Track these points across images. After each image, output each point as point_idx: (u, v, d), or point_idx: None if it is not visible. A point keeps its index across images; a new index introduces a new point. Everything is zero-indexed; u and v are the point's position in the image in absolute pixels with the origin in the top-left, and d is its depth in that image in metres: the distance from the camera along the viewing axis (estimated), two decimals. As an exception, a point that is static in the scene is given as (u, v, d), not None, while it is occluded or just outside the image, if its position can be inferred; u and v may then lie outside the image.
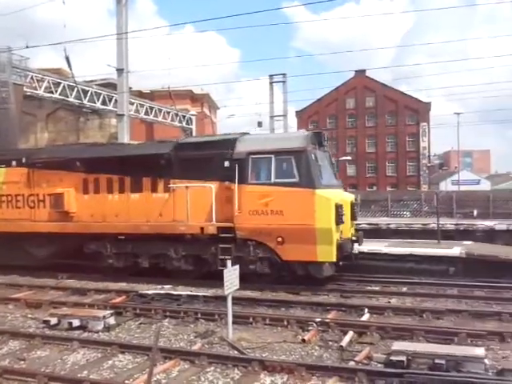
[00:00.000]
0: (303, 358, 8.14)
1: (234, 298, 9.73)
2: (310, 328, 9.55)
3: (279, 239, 12.63)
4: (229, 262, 9.22)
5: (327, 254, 12.33)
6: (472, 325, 9.68)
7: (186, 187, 13.65)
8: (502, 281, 13.19)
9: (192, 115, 40.61)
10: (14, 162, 16.57)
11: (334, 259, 12.47)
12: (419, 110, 76.94)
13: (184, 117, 39.38)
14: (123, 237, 14.70)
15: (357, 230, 15.05)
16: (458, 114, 61.32)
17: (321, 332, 9.44)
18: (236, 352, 8.41)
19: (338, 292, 12.65)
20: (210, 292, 12.58)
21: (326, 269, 12.68)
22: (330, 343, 8.82)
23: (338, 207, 12.48)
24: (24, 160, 16.38)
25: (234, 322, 9.35)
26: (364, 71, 71.89)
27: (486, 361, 7.33)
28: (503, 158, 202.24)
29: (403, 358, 7.26)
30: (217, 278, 12.55)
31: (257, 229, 12.79)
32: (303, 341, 8.88)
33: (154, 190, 14.38)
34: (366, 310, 10.72)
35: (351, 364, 7.69)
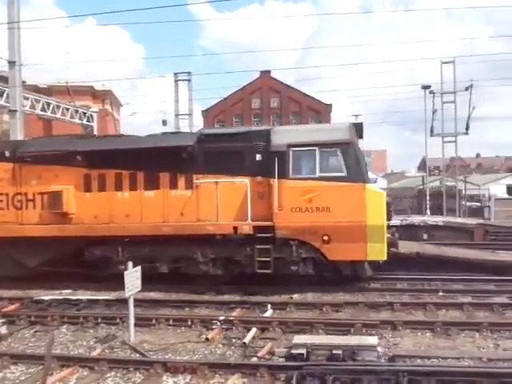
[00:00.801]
0: (207, 357, 8.15)
1: (136, 300, 9.54)
2: (214, 327, 9.57)
3: (325, 238, 11.76)
4: (130, 264, 8.99)
5: (378, 252, 11.64)
6: (367, 315, 10.24)
7: (216, 183, 12.50)
8: (397, 273, 14.01)
9: (93, 112, 39.04)
10: None
11: (385, 257, 11.84)
12: (321, 112, 79.82)
13: (85, 114, 37.77)
14: (127, 239, 13.14)
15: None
16: (357, 115, 64.25)
17: (225, 330, 9.50)
18: (138, 355, 8.24)
19: (243, 290, 12.79)
20: (111, 295, 12.18)
21: (367, 268, 12.41)
22: (234, 340, 8.91)
23: (388, 203, 12.08)
24: (8, 153, 14.02)
25: (136, 325, 9.15)
26: (269, 72, 73.24)
27: (379, 348, 7.79)
28: (399, 157, 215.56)
29: (303, 351, 7.50)
30: (250, 282, 12.61)
31: (300, 227, 11.84)
32: (207, 340, 8.89)
33: (174, 186, 12.92)
34: (269, 306, 10.94)
35: (254, 360, 7.83)
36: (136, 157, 12.85)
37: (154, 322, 9.99)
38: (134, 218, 13.02)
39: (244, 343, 8.57)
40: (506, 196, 48.87)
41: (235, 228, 12.25)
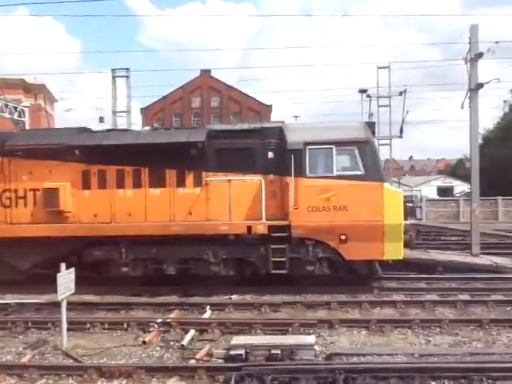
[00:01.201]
0: (143, 361, 7.97)
1: (70, 303, 9.21)
2: (152, 329, 9.38)
3: (342, 237, 11.59)
4: (62, 265, 8.63)
5: (395, 251, 11.65)
6: (305, 315, 10.38)
7: (229, 181, 12.14)
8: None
9: (25, 107, 37.38)
10: None
11: (402, 257, 11.87)
12: (261, 112, 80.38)
13: (16, 108, 36.12)
14: (119, 240, 12.45)
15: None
16: (296, 117, 65.31)
17: (162, 333, 9.33)
18: (71, 360, 7.94)
19: (182, 291, 12.61)
20: (43, 299, 11.67)
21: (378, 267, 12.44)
22: (172, 343, 8.77)
23: (405, 202, 12.02)
24: None
25: (69, 329, 8.83)
26: (209, 71, 73.01)
27: (317, 347, 7.92)
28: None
29: (242, 352, 7.48)
30: (262, 283, 12.30)
31: (316, 227, 11.61)
32: (144, 343, 8.68)
33: (181, 184, 12.39)
34: (208, 307, 10.86)
35: (192, 362, 7.72)
36: (141, 153, 12.29)
37: (88, 325, 9.64)
38: (137, 216, 12.40)
39: (182, 345, 8.44)
40: (436, 197, 51.22)
41: (249, 227, 11.94)
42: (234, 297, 12.05)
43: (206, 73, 73.78)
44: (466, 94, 17.13)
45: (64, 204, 12.49)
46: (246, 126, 12.88)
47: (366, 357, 7.75)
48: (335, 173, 11.72)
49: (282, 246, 11.85)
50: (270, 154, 12.19)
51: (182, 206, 12.30)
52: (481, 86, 16.95)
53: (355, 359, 7.67)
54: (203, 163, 12.26)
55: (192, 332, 9.09)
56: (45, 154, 12.52)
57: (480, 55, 16.87)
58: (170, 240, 12.19)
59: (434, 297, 11.57)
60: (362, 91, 28.52)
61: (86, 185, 12.67)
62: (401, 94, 25.29)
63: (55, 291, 8.36)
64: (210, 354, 8.04)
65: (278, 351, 7.45)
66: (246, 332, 9.12)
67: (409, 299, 11.39)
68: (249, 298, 12.04)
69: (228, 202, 12.17)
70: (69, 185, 12.59)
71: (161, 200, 12.35)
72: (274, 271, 11.93)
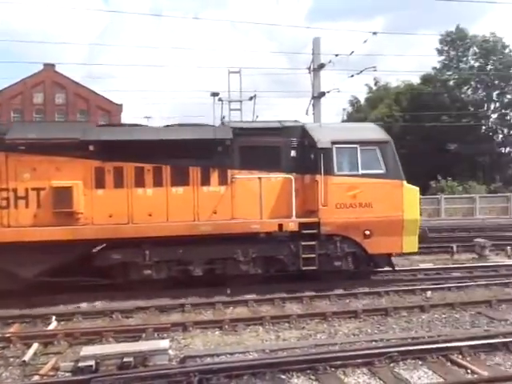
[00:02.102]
0: (-23, 383, 7.19)
1: None
2: (-13, 347, 8.51)
3: (367, 232, 12.19)
4: None
5: (412, 244, 12.53)
6: (158, 319, 10.22)
7: (259, 179, 12.12)
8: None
9: None
10: None
11: (417, 250, 12.82)
12: (112, 111, 77.54)
13: None
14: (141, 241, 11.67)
15: None
16: (148, 117, 64.15)
17: (1, 349, 8.50)
18: None
19: (24, 303, 11.55)
20: None
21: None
22: (12, 359, 8.02)
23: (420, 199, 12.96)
24: None
25: None
26: (53, 65, 68.49)
27: (170, 351, 7.84)
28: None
29: (92, 363, 7.13)
30: (290, 280, 12.63)
31: (344, 223, 12.10)
32: (-22, 363, 7.84)
33: (206, 182, 12.08)
34: (54, 317, 10.15)
35: (35, 379, 7.16)
36: (163, 149, 11.65)
37: None
38: (158, 216, 11.82)
39: (23, 361, 7.77)
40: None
41: (280, 225, 12.03)
42: (84, 305, 11.42)
43: (49, 67, 69.07)
44: (310, 101, 18.39)
45: (77, 204, 11.39)
46: (271, 125, 13.01)
47: (220, 357, 7.87)
48: (360, 171, 12.34)
49: (312, 243, 12.15)
50: (293, 153, 12.61)
51: (206, 204, 12.08)
52: (323, 94, 18.33)
53: (209, 360, 7.74)
54: (228, 161, 12.20)
55: (35, 346, 8.42)
56: (51, 149, 11.35)
57: (322, 66, 18.24)
58: (196, 240, 11.81)
59: (282, 294, 12.11)
60: (214, 94, 29.01)
61: (100, 183, 11.77)
62: (251, 98, 26.22)
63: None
64: (56, 368, 7.52)
65: (131, 359, 7.24)
66: (97, 341, 8.71)
67: (259, 297, 11.79)
68: (99, 305, 11.50)
69: (258, 200, 12.24)
70: (81, 183, 11.55)
71: (183, 199, 12.01)
72: (304, 268, 12.17)
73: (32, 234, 11.12)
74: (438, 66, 48.92)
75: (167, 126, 13.10)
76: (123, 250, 11.81)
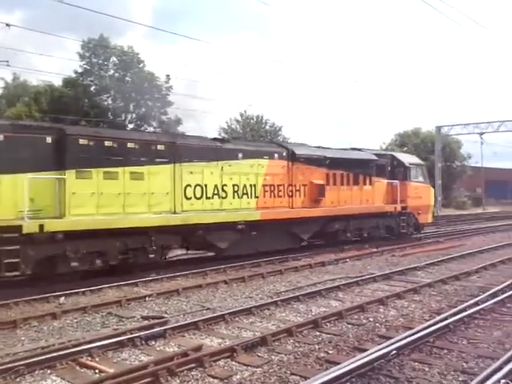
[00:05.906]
0: None
1: None
2: None
3: (420, 212, 22.72)
4: None
5: (431, 218, 24.73)
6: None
7: (387, 182, 21.71)
8: None
9: None
10: (276, 155, 17.93)
11: (431, 221, 25.54)
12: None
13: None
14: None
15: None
16: None
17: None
18: None
19: None
20: None
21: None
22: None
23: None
24: (285, 155, 18.13)
25: None
26: None
27: None
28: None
29: None
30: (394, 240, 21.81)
31: (415, 206, 22.27)
32: None
33: (364, 183, 20.72)
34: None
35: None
36: (351, 164, 20.31)
37: None
38: (347, 203, 19.93)
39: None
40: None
41: (395, 208, 21.33)
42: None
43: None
44: None
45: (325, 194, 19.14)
46: (383, 153, 24.66)
47: None
48: (419, 179, 22.76)
49: (404, 217, 21.81)
50: (388, 169, 21.96)
51: (364, 196, 20.70)
52: None
53: None
54: (372, 172, 21.10)
55: None
56: (311, 162, 18.83)
57: None
58: (361, 216, 20.33)
59: None
60: None
61: (328, 183, 19.36)
62: None
63: None
64: None
65: None
66: None
67: None
68: None
69: (385, 194, 21.57)
70: (323, 182, 19.24)
71: (357, 193, 20.44)
72: (402, 231, 21.97)
73: (305, 212, 18.24)
74: (80, 70, 49.06)
75: (352, 148, 22.76)
76: (338, 222, 19.54)
